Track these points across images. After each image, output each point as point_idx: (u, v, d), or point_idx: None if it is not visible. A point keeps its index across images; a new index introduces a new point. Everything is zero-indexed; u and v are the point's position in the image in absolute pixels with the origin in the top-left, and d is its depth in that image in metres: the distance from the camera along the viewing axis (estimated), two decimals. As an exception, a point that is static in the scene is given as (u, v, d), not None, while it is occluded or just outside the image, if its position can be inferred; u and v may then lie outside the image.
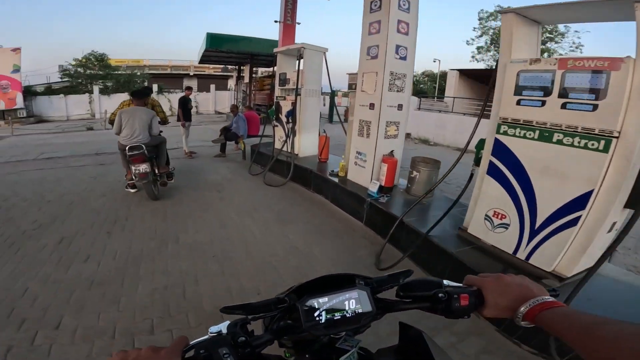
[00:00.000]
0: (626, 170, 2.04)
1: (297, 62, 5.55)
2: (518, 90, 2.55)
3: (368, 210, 3.90)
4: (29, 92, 18.82)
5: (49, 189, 4.93)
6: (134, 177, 4.27)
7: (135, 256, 3.06)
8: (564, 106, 2.27)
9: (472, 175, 3.04)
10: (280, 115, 6.04)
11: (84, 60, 21.35)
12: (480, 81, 19.13)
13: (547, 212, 2.35)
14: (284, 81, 5.98)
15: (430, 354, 0.64)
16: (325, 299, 0.65)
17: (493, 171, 2.70)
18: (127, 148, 4.19)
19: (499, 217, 2.67)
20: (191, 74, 30.45)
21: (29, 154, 7.82)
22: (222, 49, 13.96)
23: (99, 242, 3.30)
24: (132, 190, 4.67)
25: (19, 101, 17.50)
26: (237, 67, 20.10)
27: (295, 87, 5.50)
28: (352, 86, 4.83)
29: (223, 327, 0.57)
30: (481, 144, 3.06)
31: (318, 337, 0.66)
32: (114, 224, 3.74)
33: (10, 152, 8.13)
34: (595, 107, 2.14)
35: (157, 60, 31.83)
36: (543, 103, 2.39)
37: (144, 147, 4.23)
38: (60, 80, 22.11)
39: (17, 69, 17.48)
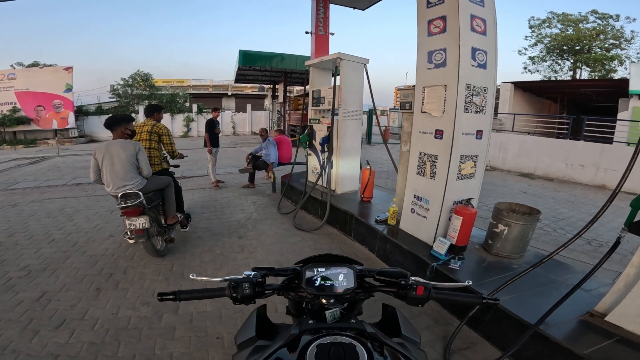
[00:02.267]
0: None
1: (333, 77, 4.52)
2: None
3: (433, 279, 2.70)
4: (80, 112, 19.77)
5: (60, 225, 4.60)
6: (128, 234, 3.25)
7: (118, 328, 2.43)
8: None
9: (618, 242, 1.97)
10: (314, 142, 5.04)
11: (130, 80, 22.28)
12: (540, 95, 17.14)
13: None
14: (317, 100, 4.99)
15: (399, 324, 0.93)
16: (323, 269, 0.91)
17: None
18: (119, 197, 3.15)
19: None
20: (229, 93, 31.02)
21: (63, 178, 7.94)
22: (255, 67, 13.58)
23: (83, 302, 2.75)
24: (131, 241, 3.50)
25: (71, 121, 18.33)
26: (271, 85, 19.85)
27: (331, 107, 4.48)
28: (405, 105, 3.71)
29: (251, 273, 0.89)
30: None
31: (312, 298, 0.88)
32: (108, 279, 3.12)
33: (47, 175, 8.40)
34: None
35: (199, 80, 33.03)
36: None
37: (142, 196, 3.19)
38: (110, 100, 23.23)
39: (69, 89, 18.37)
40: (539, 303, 2.22)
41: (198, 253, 3.70)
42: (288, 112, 15.51)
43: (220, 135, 6.70)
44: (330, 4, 8.23)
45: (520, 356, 2.06)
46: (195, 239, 4.07)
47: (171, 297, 0.86)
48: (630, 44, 22.47)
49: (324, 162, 4.72)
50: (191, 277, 0.95)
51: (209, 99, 27.75)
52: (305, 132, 5.08)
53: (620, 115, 12.12)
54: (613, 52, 22.83)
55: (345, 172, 4.84)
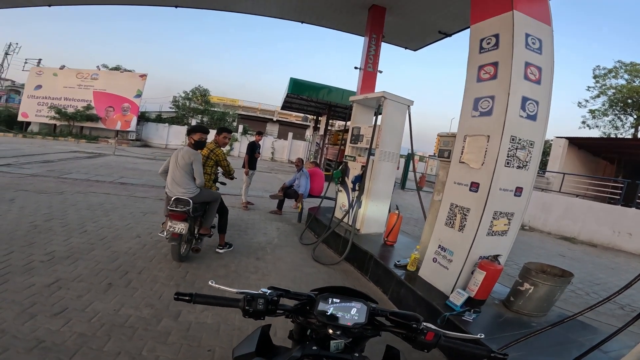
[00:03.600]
0: None
1: (375, 115, 4.57)
2: None
3: (443, 328, 2.50)
4: (142, 118, 21.55)
5: (96, 218, 4.84)
6: (165, 233, 3.51)
7: (114, 325, 2.43)
8: None
9: None
10: (346, 179, 5.05)
11: (190, 94, 24.09)
12: (596, 154, 16.02)
13: None
14: (356, 137, 5.04)
15: None
16: (338, 300, 0.93)
17: None
18: (172, 200, 3.45)
19: None
20: (274, 119, 32.44)
21: (112, 176, 8.53)
22: (303, 96, 14.15)
23: (90, 295, 2.79)
24: (161, 234, 3.72)
25: (133, 124, 20.04)
26: (315, 117, 20.47)
27: (368, 146, 4.51)
28: (444, 153, 3.64)
29: (268, 291, 0.92)
30: None
31: (320, 326, 0.89)
32: (123, 276, 3.20)
33: (98, 171, 9.08)
34: None
35: (249, 102, 35.00)
36: None
37: (191, 204, 3.44)
38: (169, 110, 25.19)
39: (139, 94, 20.23)
40: None
41: (214, 266, 3.75)
42: (327, 145, 15.80)
43: (259, 159, 6.93)
44: (383, 42, 8.47)
45: None
46: (214, 253, 4.14)
47: (187, 298, 0.90)
48: None
49: (353, 200, 4.69)
50: (210, 283, 0.99)
51: (255, 122, 29.18)
52: (340, 168, 5.12)
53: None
54: None
55: (372, 213, 4.75)
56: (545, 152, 15.93)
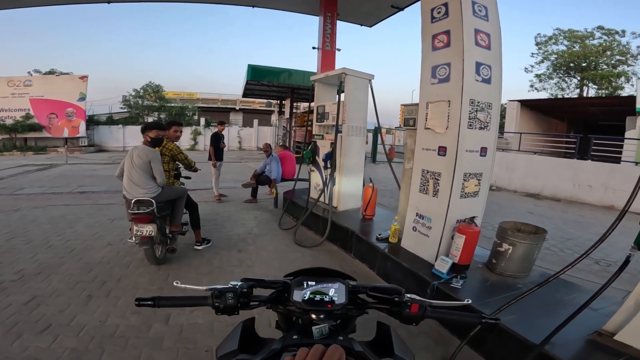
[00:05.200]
0: None
1: (338, 93, 4.55)
2: None
3: (434, 298, 2.61)
4: (91, 121, 20.07)
5: (60, 231, 4.58)
6: (133, 238, 3.30)
7: (104, 336, 2.37)
8: None
9: (628, 261, 1.95)
10: (317, 159, 5.02)
11: (141, 92, 22.73)
12: (547, 114, 17.10)
13: None
14: (322, 116, 4.99)
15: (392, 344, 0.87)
16: (313, 282, 0.88)
17: None
18: (132, 202, 3.25)
19: None
20: (237, 108, 31.54)
21: (69, 186, 8.00)
22: (263, 82, 13.79)
23: (72, 308, 2.70)
24: (131, 240, 3.51)
25: (82, 130, 18.57)
26: (278, 101, 20.12)
27: (335, 123, 4.48)
28: (409, 121, 3.69)
29: (238, 283, 0.87)
30: None
31: (301, 313, 0.84)
32: (101, 286, 3.08)
33: (53, 182, 8.48)
34: None
35: (208, 94, 33.68)
36: None
37: (154, 204, 3.26)
38: (121, 110, 23.68)
39: (82, 97, 18.67)
40: (544, 323, 2.14)
41: (195, 265, 3.65)
42: (294, 128, 15.64)
43: (226, 149, 6.72)
44: (338, 21, 8.39)
45: None
46: (193, 251, 4.02)
47: (150, 302, 0.83)
48: (637, 60, 22.21)
49: (326, 178, 4.68)
50: (175, 284, 0.92)
51: (217, 113, 28.21)
52: (309, 148, 5.07)
53: (627, 134, 11.99)
54: (620, 68, 22.64)
55: (347, 189, 4.79)
56: (501, 115, 16.74)
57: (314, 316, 0.82)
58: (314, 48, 8.41)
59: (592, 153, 9.30)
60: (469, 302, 0.94)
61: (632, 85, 21.11)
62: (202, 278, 3.35)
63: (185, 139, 20.07)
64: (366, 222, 4.37)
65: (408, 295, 0.88)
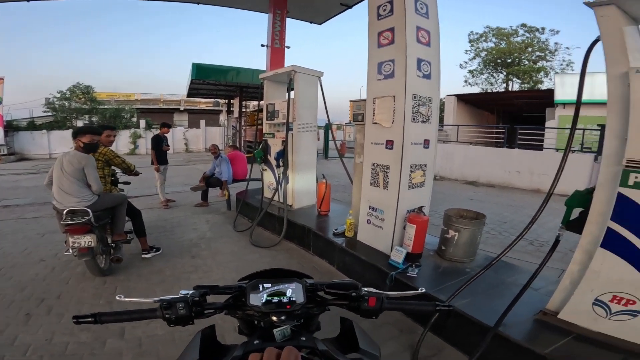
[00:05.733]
0: None
1: (287, 90, 4.54)
2: None
3: (393, 288, 2.75)
4: (10, 127, 17.71)
5: None
6: (71, 250, 3.03)
7: (54, 354, 2.21)
8: None
9: (558, 240, 2.15)
10: (269, 157, 4.96)
11: (68, 93, 20.53)
12: (478, 106, 18.65)
13: None
14: (272, 114, 4.94)
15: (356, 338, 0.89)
16: (269, 284, 0.86)
17: (614, 243, 1.89)
18: (64, 213, 2.95)
19: (623, 303, 1.90)
20: (182, 108, 29.90)
21: None
22: (209, 81, 13.26)
23: (11, 328, 2.48)
24: (66, 253, 3.25)
25: (0, 137, 16.37)
26: (226, 100, 19.48)
27: (285, 120, 4.46)
28: (358, 117, 3.80)
29: (189, 292, 0.82)
30: (578, 199, 2.09)
31: (262, 316, 0.82)
32: (39, 304, 2.83)
33: None
34: None
35: (148, 94, 31.45)
36: None
37: (91, 214, 3.00)
38: (44, 114, 21.15)
39: None
40: (494, 304, 2.28)
41: (145, 274, 3.44)
42: (244, 127, 15.26)
43: (171, 152, 6.34)
44: (288, 18, 8.32)
45: (487, 359, 2.09)
46: (141, 260, 3.77)
47: (90, 319, 0.77)
48: (555, 55, 24.79)
49: (279, 177, 4.65)
50: (118, 298, 0.86)
51: (160, 115, 26.50)
52: (260, 147, 5.00)
53: (548, 124, 13.53)
54: (539, 64, 25.29)
55: (301, 186, 4.81)
56: (441, 109, 17.95)
57: (274, 318, 0.81)
58: (262, 46, 8.25)
59: (518, 142, 10.36)
60: (423, 290, 0.97)
61: (550, 79, 23.60)
62: (155, 288, 3.16)
63: (123, 143, 18.58)
64: (322, 218, 4.43)
65: (365, 289, 0.88)
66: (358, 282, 0.91)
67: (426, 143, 3.17)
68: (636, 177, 1.73)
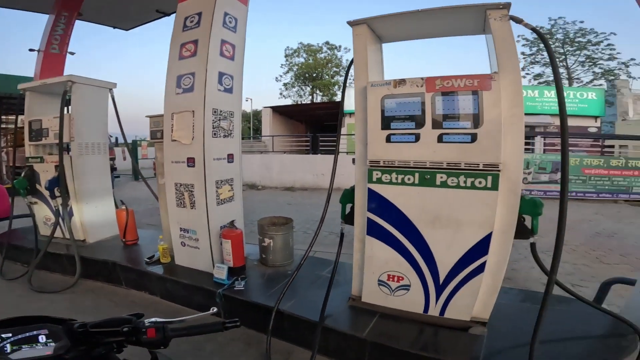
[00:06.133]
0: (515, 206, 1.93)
1: (62, 104, 3.65)
2: (386, 123, 2.14)
3: (224, 306, 2.70)
4: None
5: None
6: None
7: None
8: (440, 139, 2.00)
9: (342, 235, 2.54)
10: (38, 187, 3.86)
11: None
12: (290, 117, 20.78)
13: (448, 265, 2.10)
14: (38, 133, 3.86)
15: None
16: (9, 334, 0.73)
17: (374, 230, 2.27)
18: None
19: (396, 279, 2.27)
20: None
21: None
22: None
23: None
24: None
25: None
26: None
27: (59, 140, 3.57)
28: (157, 134, 3.49)
29: None
30: (347, 196, 2.52)
31: None
32: None
33: None
34: (474, 137, 1.92)
35: None
36: (417, 137, 2.06)
37: None
38: None
39: None
40: (316, 299, 2.44)
41: None
42: (5, 149, 11.35)
43: None
44: (83, 21, 6.75)
45: (327, 350, 2.25)
46: None
47: None
48: (344, 70, 30.38)
49: (59, 209, 3.69)
50: None
51: None
52: (22, 175, 3.80)
53: (342, 131, 16.46)
54: (335, 78, 30.30)
55: (94, 217, 3.98)
56: (259, 120, 19.01)
57: None
58: (31, 50, 6.36)
59: (320, 148, 12.17)
60: (215, 310, 0.96)
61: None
62: None
63: None
64: (130, 248, 3.83)
65: (148, 321, 0.83)
66: (188, 306, 0.86)
67: (230, 157, 3.23)
68: (377, 174, 2.20)
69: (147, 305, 3.17)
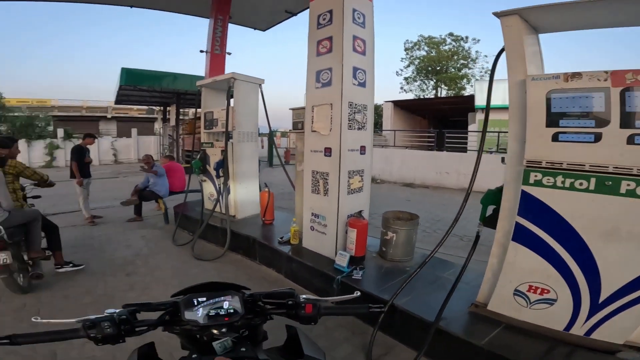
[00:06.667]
0: None
1: (227, 98, 4.43)
2: (552, 120, 1.89)
3: (340, 291, 2.84)
4: None
5: None
6: None
7: None
8: (631, 140, 1.67)
9: (478, 236, 2.36)
10: (208, 168, 4.79)
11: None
12: (412, 111, 20.02)
13: (616, 284, 1.82)
14: (210, 122, 4.78)
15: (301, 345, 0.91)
16: (204, 298, 0.86)
17: (523, 236, 2.06)
18: None
19: (539, 292, 2.06)
20: (109, 116, 27.38)
21: None
22: (142, 87, 12.37)
23: None
24: None
25: None
26: (162, 107, 18.31)
27: (224, 129, 4.35)
28: (298, 125, 3.85)
29: (116, 311, 0.79)
30: (491, 198, 2.31)
31: (201, 330, 0.82)
32: None
33: None
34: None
35: (68, 100, 28.27)
36: (597, 137, 1.76)
37: (3, 230, 2.85)
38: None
39: None
40: (433, 300, 2.41)
41: (73, 295, 3.13)
42: (182, 136, 14.47)
43: (96, 164, 5.77)
44: (230, 24, 8.13)
45: (434, 353, 2.20)
46: (66, 280, 3.42)
47: (5, 341, 0.73)
48: (475, 63, 27.43)
49: (220, 187, 4.50)
50: (33, 320, 0.79)
51: (82, 123, 24.00)
52: (198, 157, 4.79)
53: (470, 127, 14.99)
54: (463, 71, 27.85)
55: (244, 196, 4.71)
56: (379, 115, 18.94)
57: (215, 332, 0.81)
58: (201, 51, 7.98)
59: (446, 145, 11.34)
60: (359, 294, 0.99)
61: (472, 85, 26.17)
62: (87, 309, 2.88)
63: (38, 155, 16.44)
64: (267, 227, 4.39)
65: (303, 296, 0.91)
66: (306, 288, 0.95)
67: (362, 149, 3.32)
68: (536, 176, 1.97)
69: (273, 281, 3.57)
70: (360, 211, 3.22)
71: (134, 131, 19.95)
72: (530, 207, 2.00)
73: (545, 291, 2.04)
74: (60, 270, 3.54)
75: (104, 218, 5.95)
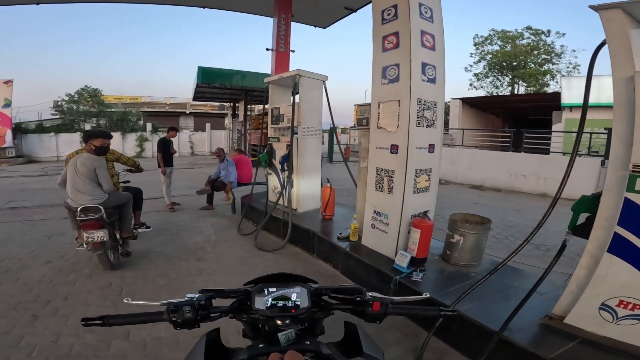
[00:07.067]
0: None
1: (292, 94, 4.55)
2: None
3: (396, 292, 2.75)
4: (19, 130, 17.92)
5: None
6: (84, 246, 3.29)
7: (59, 356, 2.23)
8: None
9: (564, 245, 2.14)
10: (274, 161, 4.99)
11: (76, 96, 20.80)
12: (483, 109, 18.55)
13: None
14: (277, 118, 4.97)
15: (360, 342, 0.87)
16: (274, 289, 0.87)
17: (621, 249, 1.87)
18: (78, 210, 3.18)
19: (630, 307, 1.87)
20: (187, 112, 30.18)
21: None
22: (215, 84, 13.38)
23: (17, 329, 2.50)
24: (79, 248, 3.49)
25: (8, 139, 16.48)
26: (232, 104, 19.61)
27: (290, 125, 4.48)
28: (362, 121, 3.80)
29: (195, 296, 0.83)
30: (585, 204, 2.08)
31: (266, 320, 0.83)
32: (46, 306, 2.86)
33: None
34: None
35: (155, 97, 31.82)
36: None
37: (103, 210, 3.25)
38: (52, 117, 21.44)
39: (7, 104, 16.56)
40: (499, 309, 2.27)
41: (151, 277, 3.47)
42: (249, 131, 15.35)
43: (177, 156, 6.42)
44: (292, 22, 8.39)
45: None
46: (148, 263, 3.81)
47: (98, 322, 0.78)
48: (561, 58, 24.51)
49: (284, 181, 4.66)
50: (125, 301, 0.85)
51: (166, 118, 26.81)
52: (265, 150, 5.02)
53: (554, 127, 13.41)
54: (545, 67, 25.06)
55: (306, 190, 4.82)
56: (446, 112, 17.90)
57: (279, 322, 0.82)
58: (267, 49, 8.34)
59: (524, 145, 10.28)
60: (428, 295, 0.97)
61: (557, 82, 23.36)
62: (161, 291, 3.18)
63: (130, 146, 18.80)
64: (326, 222, 4.43)
65: (370, 294, 0.89)
66: (362, 286, 0.91)
67: (431, 148, 3.16)
68: None
69: (329, 276, 3.58)
70: (426, 211, 3.07)
71: (207, 126, 21.75)
72: (633, 216, 1.80)
73: (637, 307, 1.85)
74: (136, 231, 4.01)
75: (181, 205, 6.57)
